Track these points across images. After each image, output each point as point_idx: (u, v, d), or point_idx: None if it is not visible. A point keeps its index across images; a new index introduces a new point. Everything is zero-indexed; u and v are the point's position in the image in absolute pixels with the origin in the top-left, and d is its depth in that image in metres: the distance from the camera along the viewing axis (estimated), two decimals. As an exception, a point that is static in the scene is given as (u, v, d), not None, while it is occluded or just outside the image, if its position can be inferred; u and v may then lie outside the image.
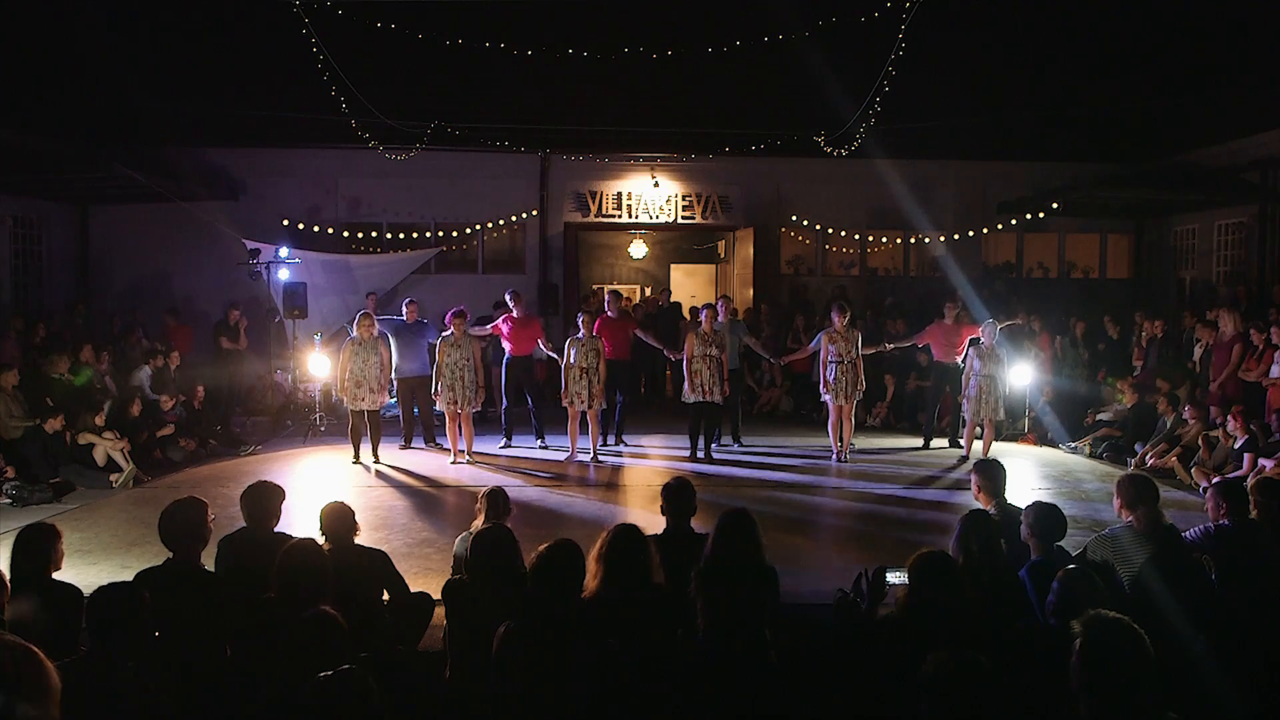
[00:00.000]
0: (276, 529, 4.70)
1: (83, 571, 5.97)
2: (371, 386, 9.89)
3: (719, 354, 10.15)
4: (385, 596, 4.57)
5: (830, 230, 16.18)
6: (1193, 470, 9.25)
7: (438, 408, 10.25)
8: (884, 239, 16.38)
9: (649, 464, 10.32)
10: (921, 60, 12.49)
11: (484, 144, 14.71)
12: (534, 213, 15.74)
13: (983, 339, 10.32)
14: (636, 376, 13.67)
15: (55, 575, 4.08)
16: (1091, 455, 10.80)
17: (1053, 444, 11.38)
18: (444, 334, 10.18)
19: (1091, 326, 13.48)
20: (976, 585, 3.76)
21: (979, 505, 5.14)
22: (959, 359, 10.68)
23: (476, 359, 10.25)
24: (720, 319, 10.46)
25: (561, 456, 10.39)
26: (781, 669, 3.70)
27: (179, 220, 14.29)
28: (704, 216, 16.11)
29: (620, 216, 16.07)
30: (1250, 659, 3.86)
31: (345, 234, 15.16)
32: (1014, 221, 15.67)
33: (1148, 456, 9.97)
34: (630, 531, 3.86)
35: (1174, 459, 9.64)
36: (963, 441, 10.76)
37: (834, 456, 10.34)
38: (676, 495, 4.79)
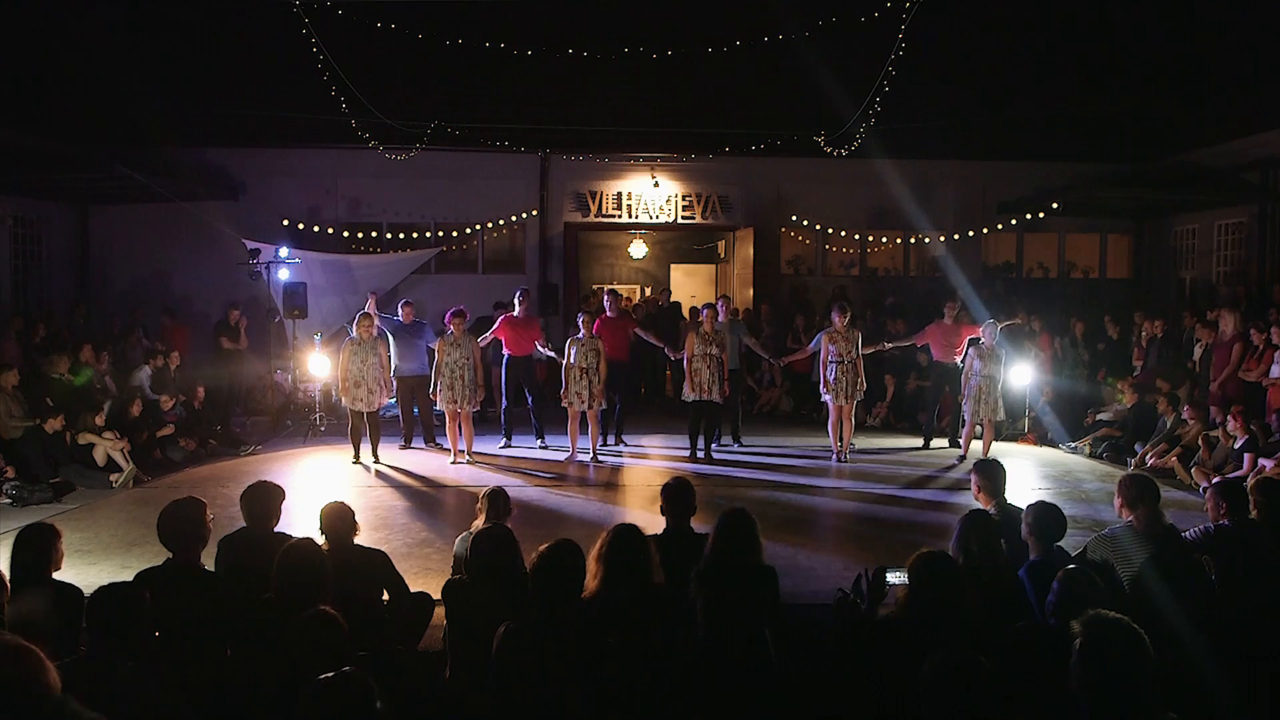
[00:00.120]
0: (276, 529, 4.70)
1: (83, 571, 5.97)
2: (371, 386, 9.89)
3: (719, 353, 10.16)
4: (385, 596, 4.57)
5: (830, 230, 16.18)
6: (1193, 470, 9.25)
7: (438, 407, 10.25)
8: (884, 239, 16.38)
9: (649, 464, 10.32)
10: (921, 60, 12.51)
11: (484, 144, 14.71)
12: (534, 213, 15.74)
13: (983, 339, 10.32)
14: (636, 377, 13.67)
15: (55, 575, 4.08)
16: (1091, 455, 10.80)
17: (1053, 444, 11.38)
18: (444, 333, 10.20)
19: (1091, 326, 13.48)
20: (976, 585, 3.76)
21: (979, 505, 5.14)
22: (958, 359, 10.68)
23: (476, 358, 10.26)
24: (720, 319, 10.46)
25: (561, 456, 10.39)
26: (781, 669, 3.70)
27: (179, 220, 14.29)
28: (704, 216, 16.11)
29: (620, 216, 16.07)
30: (1250, 659, 3.86)
31: (345, 234, 15.16)
32: (1014, 221, 15.66)
33: (1148, 456, 9.97)
34: (630, 531, 3.86)
35: (1174, 459, 9.65)
36: (961, 441, 10.76)
37: (834, 456, 10.35)
38: (676, 495, 4.79)
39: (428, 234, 15.67)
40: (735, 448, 11.09)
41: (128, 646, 3.16)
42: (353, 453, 10.10)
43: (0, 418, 9.11)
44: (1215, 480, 6.65)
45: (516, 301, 10.92)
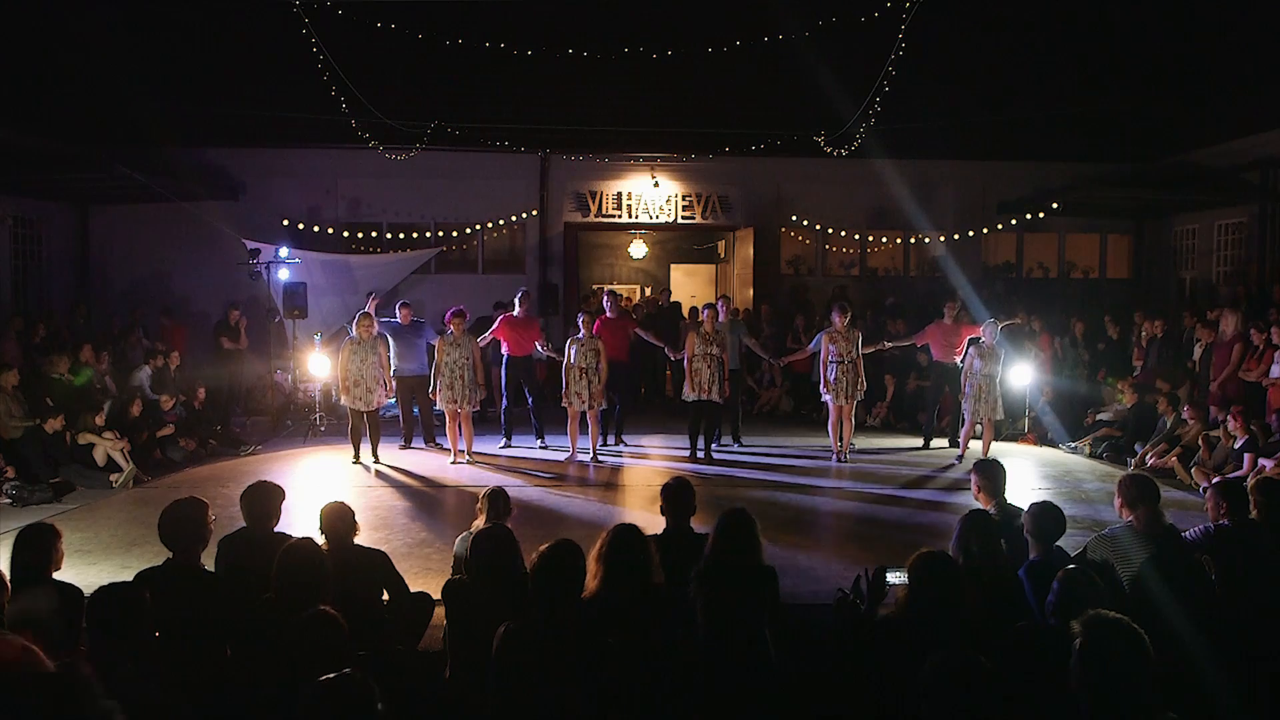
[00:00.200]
0: (276, 529, 4.70)
1: (83, 571, 5.97)
2: (370, 386, 9.89)
3: (720, 353, 10.16)
4: (385, 596, 4.57)
5: (830, 230, 16.18)
6: (1193, 470, 9.25)
7: (438, 406, 10.25)
8: (884, 239, 16.38)
9: (649, 464, 10.32)
10: (921, 60, 12.50)
11: (484, 144, 14.72)
12: (534, 213, 15.74)
13: (983, 338, 10.32)
14: (635, 377, 13.67)
15: (55, 575, 4.08)
16: (1091, 455, 10.80)
17: (1053, 444, 11.38)
18: (443, 333, 10.21)
19: (1091, 326, 13.48)
20: (976, 585, 3.75)
21: (979, 505, 5.14)
22: (958, 359, 10.69)
23: (476, 358, 10.26)
24: (721, 319, 10.46)
25: (561, 456, 10.39)
26: (781, 669, 3.70)
27: (179, 220, 14.29)
28: (704, 216, 16.11)
29: (620, 216, 16.07)
30: (1250, 659, 3.86)
31: (345, 234, 15.16)
32: (1014, 221, 15.67)
33: (1148, 456, 9.98)
34: (630, 531, 3.86)
35: (1174, 459, 9.65)
36: (960, 441, 10.75)
37: (834, 456, 10.35)
38: (676, 495, 4.79)
39: (428, 234, 15.67)
40: (735, 448, 11.09)
41: (128, 646, 3.16)
42: (353, 453, 10.10)
43: (0, 418, 9.11)
44: (1215, 480, 6.65)
45: (516, 302, 10.93)
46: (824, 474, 9.81)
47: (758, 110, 15.09)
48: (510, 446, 10.96)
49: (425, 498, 8.74)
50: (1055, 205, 14.75)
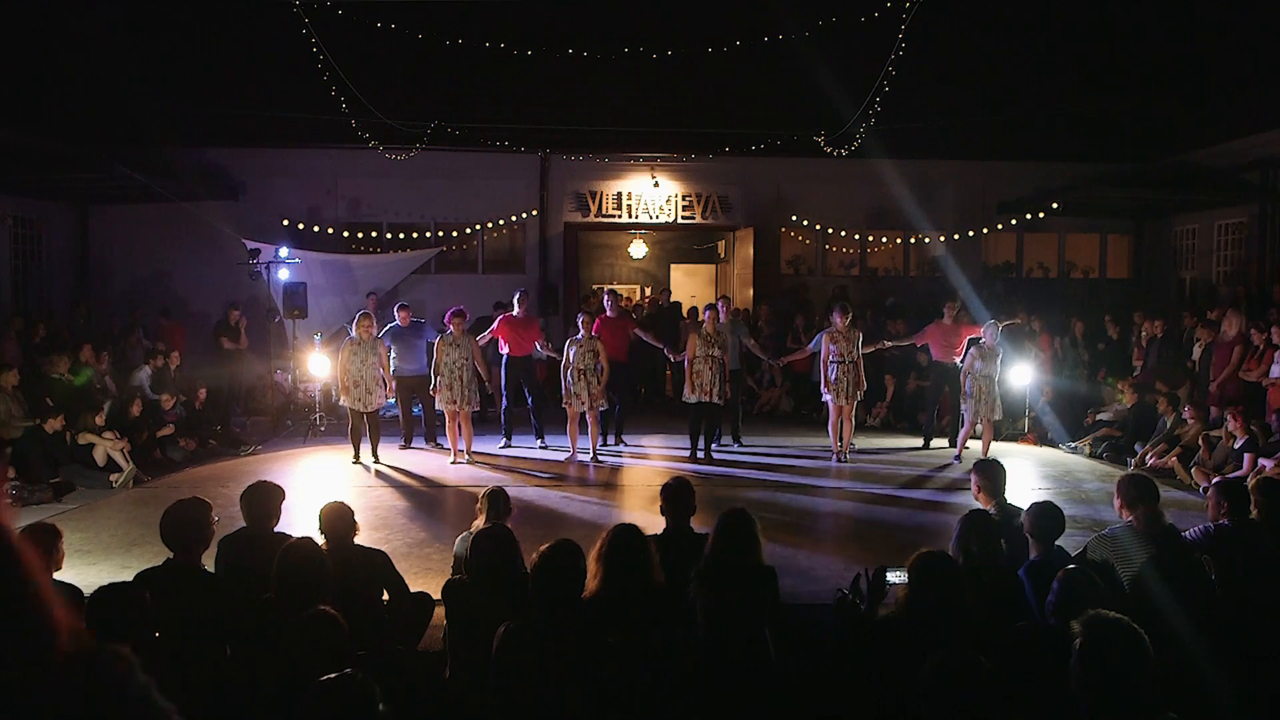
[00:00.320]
0: (276, 529, 4.70)
1: (83, 571, 5.97)
2: (370, 386, 9.89)
3: (721, 354, 10.15)
4: (385, 596, 4.57)
5: (830, 230, 16.18)
6: (1193, 470, 9.25)
7: (438, 406, 10.25)
8: (884, 239, 16.38)
9: (649, 464, 10.32)
10: (921, 60, 12.51)
11: (484, 144, 14.71)
12: (534, 213, 15.74)
13: (984, 338, 10.31)
14: (634, 378, 13.67)
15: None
16: (1091, 455, 10.80)
17: (1053, 444, 11.38)
18: (444, 333, 10.21)
19: (1091, 326, 13.48)
20: (976, 585, 3.76)
21: (979, 505, 5.14)
22: (958, 359, 10.69)
23: (476, 357, 10.26)
24: (722, 319, 10.45)
25: (561, 456, 10.39)
26: (781, 669, 3.71)
27: (179, 220, 14.29)
28: (704, 216, 16.11)
29: (620, 216, 16.07)
30: (1250, 659, 3.86)
31: (345, 234, 15.16)
32: (1014, 221, 15.66)
33: (1148, 456, 9.97)
34: (630, 531, 3.86)
35: (1174, 459, 9.64)
36: (959, 441, 10.74)
37: (834, 457, 10.34)
38: (676, 495, 4.79)
39: (428, 234, 15.67)
40: (735, 448, 11.09)
41: (128, 647, 3.15)
42: (353, 453, 10.10)
43: (0, 417, 9.11)
44: (1216, 480, 6.65)
45: (515, 302, 10.92)
46: (824, 474, 9.81)
47: (758, 110, 15.09)
48: (510, 446, 10.96)
49: (425, 498, 8.74)
50: (1055, 205, 14.75)
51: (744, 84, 15.10)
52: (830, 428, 10.42)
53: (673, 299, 15.96)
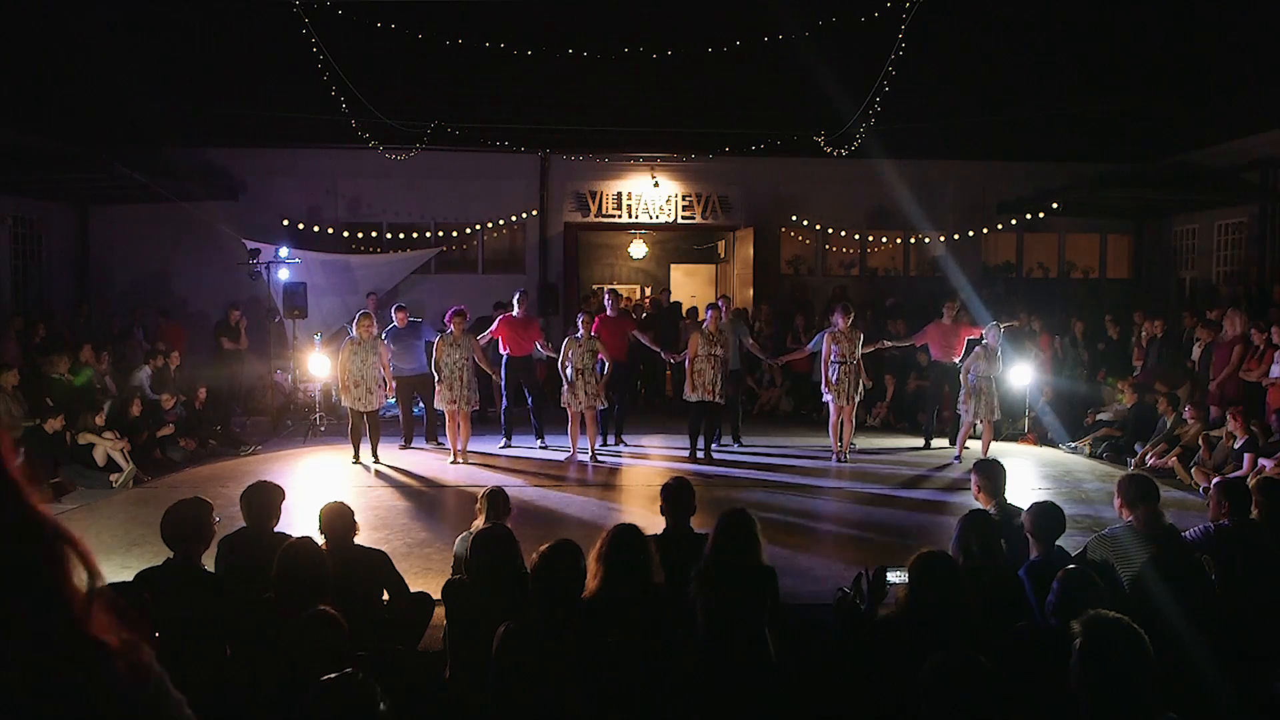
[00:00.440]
0: (276, 529, 4.70)
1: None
2: (370, 386, 9.89)
3: (723, 354, 10.15)
4: (385, 596, 4.57)
5: (830, 230, 16.18)
6: (1193, 470, 9.25)
7: (437, 404, 10.26)
8: (884, 239, 16.37)
9: (649, 464, 10.32)
10: (921, 60, 12.51)
11: (484, 144, 14.71)
12: (534, 213, 15.73)
13: (986, 339, 10.30)
14: (633, 378, 13.67)
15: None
16: (1091, 455, 10.80)
17: (1053, 444, 11.38)
18: (443, 333, 10.21)
19: (1091, 326, 13.48)
20: (976, 585, 3.76)
21: (979, 505, 5.14)
22: (957, 359, 10.69)
23: (478, 357, 10.27)
24: (723, 318, 10.45)
25: (561, 456, 10.39)
26: (781, 669, 3.71)
27: (179, 220, 14.29)
28: (704, 216, 16.11)
29: (620, 216, 16.07)
30: (1250, 659, 3.86)
31: (345, 234, 15.16)
32: (1014, 221, 15.66)
33: (1148, 456, 9.97)
34: (630, 531, 3.86)
35: (1174, 459, 9.64)
36: (958, 442, 10.73)
37: (834, 457, 10.34)
38: (676, 495, 4.79)
39: (428, 234, 15.67)
40: (735, 448, 11.09)
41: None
42: (353, 453, 10.10)
43: (0, 417, 9.10)
44: (1217, 480, 6.66)
45: (515, 303, 10.92)
46: (824, 474, 9.81)
47: (758, 110, 15.08)
48: (510, 446, 10.96)
49: (425, 498, 8.74)
50: (1055, 205, 14.75)
51: (744, 84, 15.09)
52: (831, 428, 10.42)
53: (673, 299, 15.97)
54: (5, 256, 13.52)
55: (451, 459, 10.11)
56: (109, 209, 14.93)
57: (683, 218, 16.10)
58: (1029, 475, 9.66)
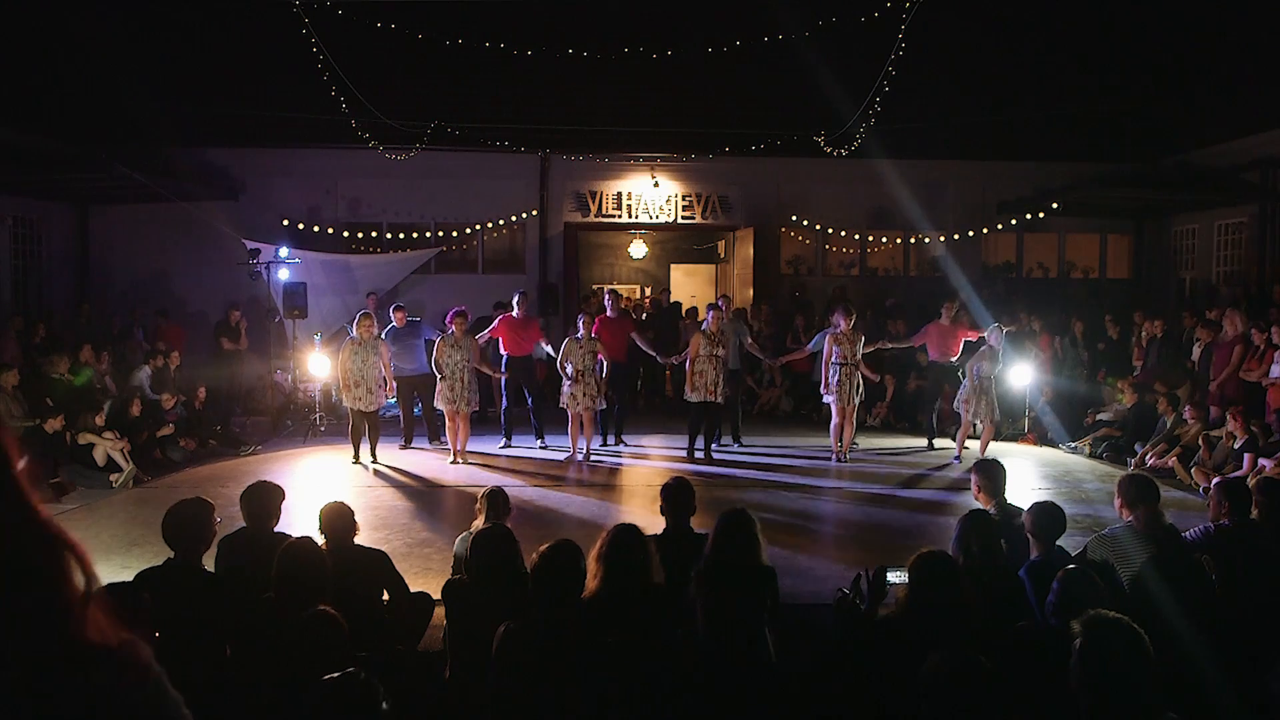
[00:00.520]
0: (276, 529, 4.70)
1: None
2: (370, 386, 9.89)
3: (724, 354, 10.14)
4: (385, 596, 4.57)
5: (830, 230, 16.17)
6: (1193, 470, 9.25)
7: (437, 404, 10.26)
8: (884, 239, 16.37)
9: (649, 464, 10.32)
10: (922, 60, 12.51)
11: (484, 144, 14.71)
12: (534, 213, 15.73)
13: (989, 342, 10.27)
14: (633, 378, 13.66)
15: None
16: (1091, 455, 10.80)
17: (1053, 444, 11.37)
18: (444, 333, 10.21)
19: (1091, 326, 13.48)
20: (976, 585, 3.76)
21: (979, 505, 5.14)
22: (954, 358, 10.69)
23: (478, 360, 10.27)
24: (724, 319, 10.44)
25: (561, 456, 10.39)
26: (781, 669, 3.71)
27: (179, 220, 14.28)
28: (704, 216, 16.11)
29: (620, 216, 16.07)
30: (1250, 659, 3.86)
31: (345, 234, 15.16)
32: (1014, 221, 15.66)
33: (1148, 456, 9.97)
34: (630, 531, 3.86)
35: (1174, 459, 9.64)
36: (957, 443, 10.72)
37: (834, 457, 10.33)
38: (676, 495, 4.79)
39: (428, 234, 15.66)
40: (735, 448, 11.08)
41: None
42: (353, 453, 10.10)
43: (0, 417, 9.09)
44: (1217, 480, 6.66)
45: (515, 304, 10.92)
46: (824, 474, 9.80)
47: (758, 110, 15.08)
48: (510, 446, 10.96)
49: (425, 498, 8.74)
50: (1055, 205, 14.76)
51: (744, 84, 15.09)
52: (832, 429, 10.41)
53: (673, 299, 15.97)
54: (5, 256, 13.53)
55: (451, 459, 10.11)
56: (109, 209, 14.93)
57: (683, 218, 16.10)
58: (1029, 475, 9.66)
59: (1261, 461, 8.56)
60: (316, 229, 15.04)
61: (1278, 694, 3.38)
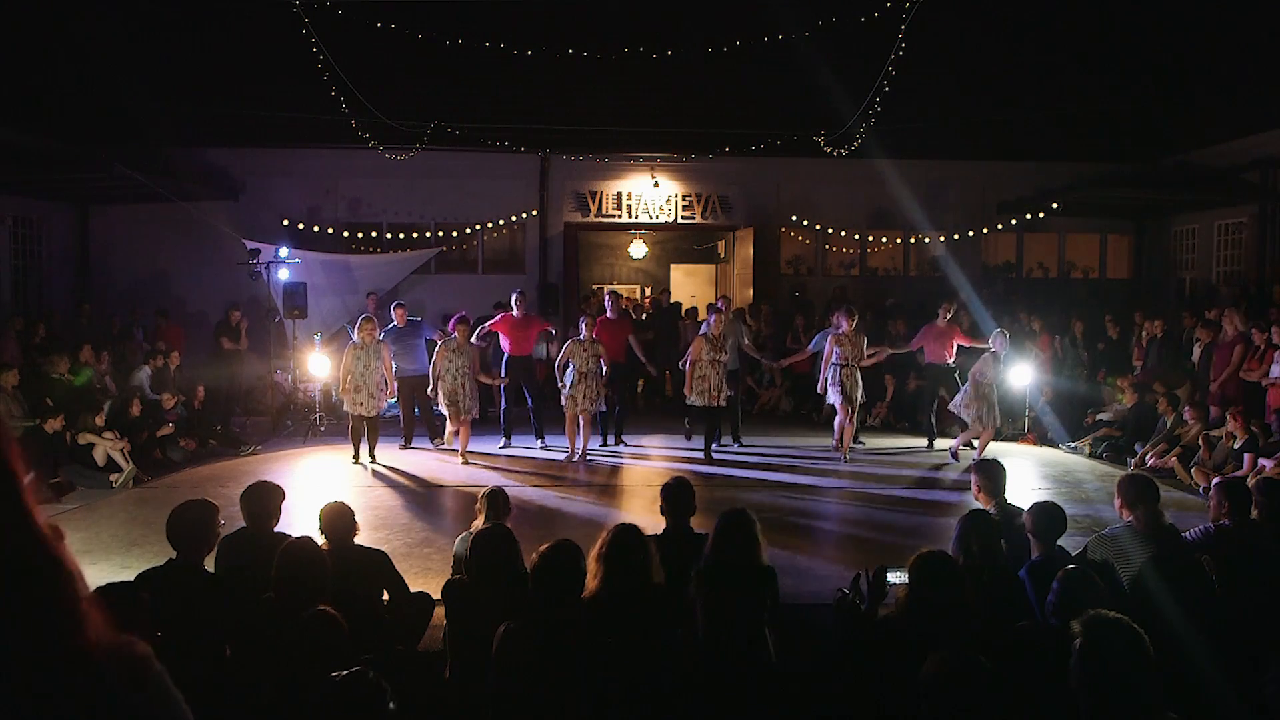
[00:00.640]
0: (276, 529, 4.70)
1: (83, 571, 5.95)
2: (372, 391, 9.87)
3: (725, 356, 10.13)
4: (385, 596, 4.57)
5: (830, 230, 16.18)
6: (1193, 470, 9.25)
7: (437, 408, 10.25)
8: (884, 239, 16.37)
9: (649, 464, 10.32)
10: (921, 60, 12.51)
11: (484, 144, 14.71)
12: (534, 213, 15.73)
13: (993, 346, 10.21)
14: (633, 378, 13.66)
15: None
16: (1091, 455, 10.80)
17: (1053, 444, 11.37)
18: (447, 338, 10.19)
19: (1091, 326, 13.47)
20: (976, 585, 3.75)
21: (979, 505, 5.14)
22: (949, 359, 10.69)
23: (476, 368, 10.27)
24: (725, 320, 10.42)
25: (561, 456, 10.39)
26: (781, 669, 3.71)
27: (179, 220, 14.28)
28: (704, 216, 16.11)
29: (620, 216, 16.07)
30: (1250, 659, 3.86)
31: (345, 234, 15.16)
32: (1014, 221, 15.66)
33: (1148, 456, 9.97)
34: (630, 531, 3.86)
35: (1174, 459, 9.64)
36: (956, 444, 10.69)
37: (840, 456, 10.31)
38: (676, 495, 4.79)
39: (428, 234, 15.66)
40: (735, 448, 11.08)
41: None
42: (353, 453, 10.10)
43: (2, 420, 9.09)
44: (1217, 480, 6.65)
45: (514, 304, 10.91)
46: (824, 474, 9.80)
47: (758, 110, 15.09)
48: (510, 446, 10.96)
49: (425, 498, 8.75)
50: (1055, 205, 14.76)
51: (744, 84, 15.09)
52: (836, 428, 10.39)
53: (673, 299, 15.95)
54: (5, 256, 13.53)
55: (462, 460, 10.08)
56: (109, 209, 14.93)
57: (683, 218, 16.10)
58: (1029, 475, 9.66)
59: (1261, 461, 8.56)
60: (316, 229, 15.04)
61: (1277, 695, 3.37)
